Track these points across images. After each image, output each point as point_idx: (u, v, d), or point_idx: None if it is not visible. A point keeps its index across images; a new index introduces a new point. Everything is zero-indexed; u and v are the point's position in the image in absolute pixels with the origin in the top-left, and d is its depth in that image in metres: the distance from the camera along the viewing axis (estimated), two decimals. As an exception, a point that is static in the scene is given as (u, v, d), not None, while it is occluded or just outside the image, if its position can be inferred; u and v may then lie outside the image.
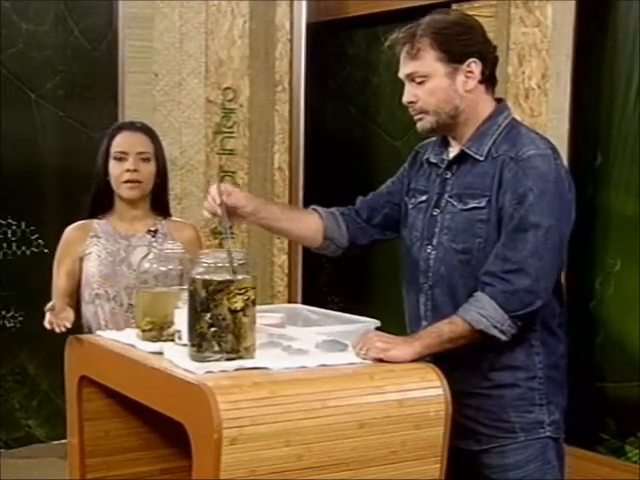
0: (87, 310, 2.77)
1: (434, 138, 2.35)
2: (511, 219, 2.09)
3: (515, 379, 2.17)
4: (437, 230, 2.23)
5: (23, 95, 4.55)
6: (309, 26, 4.30)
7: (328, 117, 4.78)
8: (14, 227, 4.54)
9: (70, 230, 2.85)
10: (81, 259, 2.79)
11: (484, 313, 2.05)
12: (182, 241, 2.69)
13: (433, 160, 2.32)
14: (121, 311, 2.73)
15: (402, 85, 4.43)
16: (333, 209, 2.53)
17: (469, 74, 2.17)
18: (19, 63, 4.52)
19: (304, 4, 4.26)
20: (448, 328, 2.09)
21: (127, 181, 2.75)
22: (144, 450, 2.45)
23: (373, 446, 1.94)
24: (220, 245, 4.17)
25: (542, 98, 3.43)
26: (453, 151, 2.26)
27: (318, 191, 4.54)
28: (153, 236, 2.80)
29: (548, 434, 2.19)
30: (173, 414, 1.94)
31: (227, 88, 4.19)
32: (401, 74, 2.26)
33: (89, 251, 2.78)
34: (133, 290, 2.69)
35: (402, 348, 2.06)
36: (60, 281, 2.79)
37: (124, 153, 2.76)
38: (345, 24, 4.60)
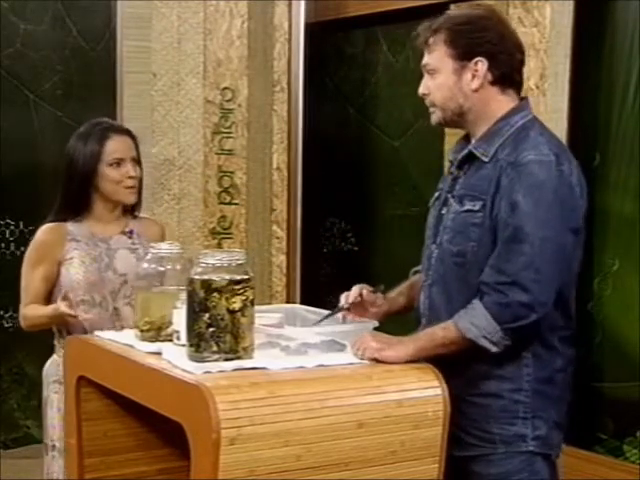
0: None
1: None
2: (505, 228, 2.05)
3: (499, 389, 2.13)
4: (441, 229, 2.21)
5: (21, 95, 4.55)
6: (307, 26, 4.29)
7: (326, 117, 4.77)
8: (12, 227, 4.54)
9: (45, 232, 2.79)
10: (59, 263, 2.75)
11: (476, 322, 2.03)
12: (150, 238, 2.73)
13: (450, 158, 2.30)
14: (107, 315, 2.71)
15: (400, 86, 4.45)
16: None
17: (475, 73, 2.14)
18: (17, 63, 4.53)
19: (302, 4, 4.25)
20: (442, 333, 2.08)
21: (129, 187, 2.76)
22: (142, 450, 2.45)
23: (372, 446, 1.94)
24: (218, 245, 4.17)
25: (540, 98, 3.43)
26: (466, 150, 2.23)
27: (317, 191, 4.54)
28: (129, 237, 2.80)
29: (531, 449, 2.13)
30: (171, 414, 1.94)
31: (225, 88, 4.18)
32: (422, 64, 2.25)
33: (70, 256, 2.74)
34: (118, 294, 2.71)
35: (397, 349, 2.07)
36: (36, 285, 2.76)
37: (121, 159, 2.75)
38: (343, 24, 4.60)
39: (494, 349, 2.04)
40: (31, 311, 2.76)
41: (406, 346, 2.07)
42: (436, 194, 2.32)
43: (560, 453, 2.24)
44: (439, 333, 2.08)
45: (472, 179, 2.17)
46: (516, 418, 2.12)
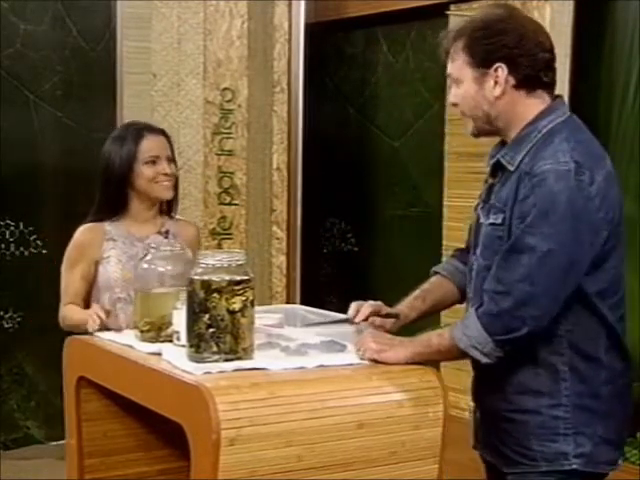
0: None
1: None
2: (511, 238, 1.99)
3: (537, 405, 2.05)
4: (479, 241, 2.14)
5: (21, 95, 4.55)
6: (307, 26, 4.29)
7: (326, 118, 4.78)
8: (12, 228, 4.54)
9: (83, 232, 2.82)
10: (97, 262, 2.78)
11: (467, 332, 1.99)
12: (186, 239, 2.78)
13: (487, 163, 2.20)
14: None
15: (400, 86, 4.44)
16: (449, 260, 2.40)
17: (497, 79, 2.06)
18: (17, 63, 4.52)
19: (302, 4, 4.25)
20: (437, 340, 2.05)
21: (164, 183, 2.80)
22: (142, 451, 2.45)
23: (373, 446, 1.94)
24: (218, 246, 4.17)
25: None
26: (494, 158, 2.15)
27: (317, 192, 4.54)
28: (165, 237, 2.82)
29: (575, 467, 2.03)
30: (171, 415, 1.94)
31: (225, 89, 4.18)
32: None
33: (107, 255, 2.78)
34: None
35: (396, 350, 2.06)
36: (75, 284, 2.78)
37: (156, 157, 2.80)
38: (343, 24, 4.61)
39: (485, 360, 1.99)
40: (69, 312, 2.77)
41: (405, 349, 2.06)
42: (476, 202, 2.23)
43: (614, 470, 2.13)
44: (435, 340, 2.06)
45: (501, 190, 2.09)
46: (557, 435, 2.04)
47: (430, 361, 2.08)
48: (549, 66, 2.10)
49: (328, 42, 4.76)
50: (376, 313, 2.27)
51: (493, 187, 2.14)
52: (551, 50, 2.10)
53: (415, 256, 4.14)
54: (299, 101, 4.29)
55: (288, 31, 4.24)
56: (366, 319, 2.25)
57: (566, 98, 3.37)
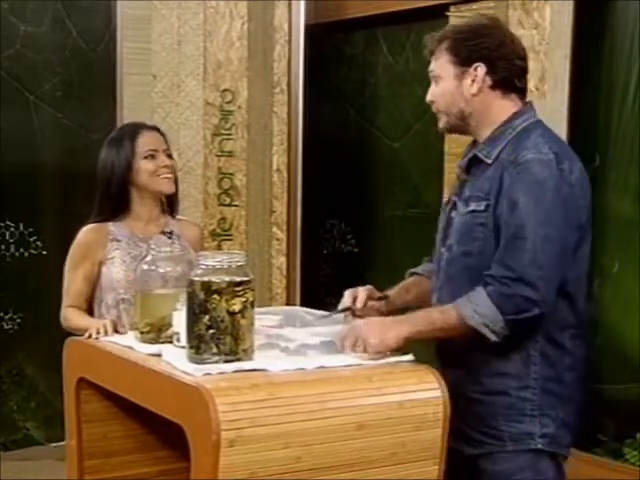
0: (110, 314, 2.73)
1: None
2: (508, 227, 2.08)
3: (506, 387, 2.15)
4: (450, 232, 2.24)
5: (21, 96, 4.55)
6: (307, 28, 4.29)
7: (326, 119, 4.78)
8: (12, 229, 4.54)
9: (87, 232, 2.81)
10: (101, 263, 2.77)
11: (479, 310, 2.04)
12: (189, 240, 2.80)
13: (459, 164, 2.33)
14: None
15: (400, 87, 4.45)
16: (423, 263, 2.51)
17: (475, 77, 2.19)
18: (17, 64, 4.52)
19: (302, 5, 4.25)
20: (441, 317, 2.10)
21: (165, 175, 2.80)
22: (142, 452, 2.45)
23: (373, 448, 1.94)
24: (218, 247, 4.17)
25: (540, 100, 3.43)
26: (471, 154, 2.27)
27: (317, 193, 4.54)
28: (169, 237, 2.82)
29: (539, 447, 2.15)
30: (171, 416, 1.94)
31: (225, 90, 4.18)
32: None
33: (111, 256, 2.76)
34: None
35: (394, 332, 2.08)
36: (78, 285, 2.77)
37: (154, 151, 2.80)
38: (343, 26, 4.61)
39: (494, 338, 2.05)
40: (71, 315, 2.75)
41: (401, 327, 2.10)
42: (446, 198, 2.36)
43: (568, 455, 2.24)
44: (438, 317, 2.10)
45: (477, 181, 2.20)
46: (524, 415, 2.14)
47: (427, 339, 2.14)
48: (524, 74, 2.26)
49: (328, 43, 4.76)
50: (370, 297, 2.37)
51: (466, 183, 2.25)
52: (525, 59, 2.27)
53: (415, 257, 4.14)
54: (299, 102, 4.29)
55: (288, 32, 4.24)
56: (365, 304, 2.33)
57: (566, 99, 3.40)
